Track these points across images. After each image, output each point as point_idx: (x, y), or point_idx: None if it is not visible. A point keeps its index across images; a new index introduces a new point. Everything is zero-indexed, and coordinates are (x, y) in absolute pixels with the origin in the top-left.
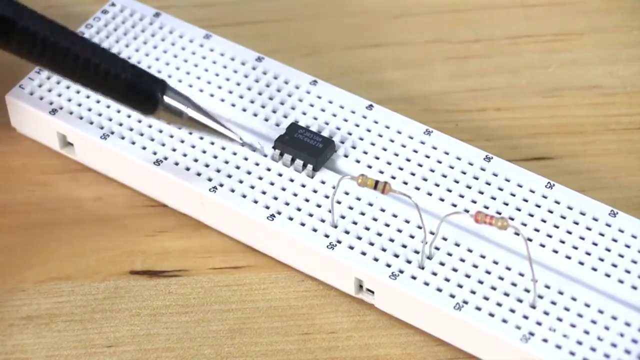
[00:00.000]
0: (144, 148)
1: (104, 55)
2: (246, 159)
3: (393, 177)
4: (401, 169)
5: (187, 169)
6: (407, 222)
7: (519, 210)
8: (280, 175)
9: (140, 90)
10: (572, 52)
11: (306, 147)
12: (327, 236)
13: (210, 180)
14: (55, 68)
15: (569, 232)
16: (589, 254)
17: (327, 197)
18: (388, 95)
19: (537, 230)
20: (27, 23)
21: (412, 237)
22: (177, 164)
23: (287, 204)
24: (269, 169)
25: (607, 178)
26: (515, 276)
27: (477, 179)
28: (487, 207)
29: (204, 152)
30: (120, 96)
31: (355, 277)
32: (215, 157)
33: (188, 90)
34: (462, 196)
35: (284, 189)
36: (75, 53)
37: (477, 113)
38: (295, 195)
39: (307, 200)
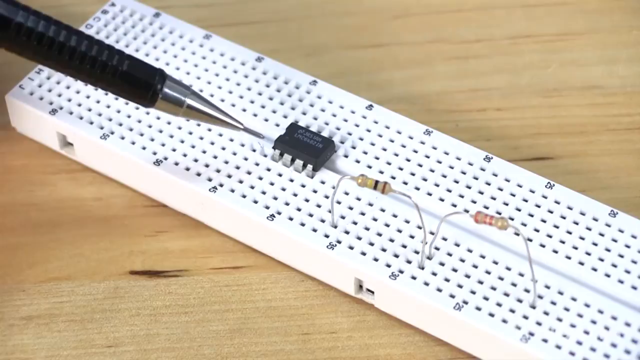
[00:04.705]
0: (144, 148)
1: (101, 48)
2: (246, 159)
3: (393, 177)
4: (401, 169)
5: (187, 169)
6: (407, 222)
7: (519, 210)
8: (280, 175)
9: (139, 83)
10: (572, 52)
11: (306, 147)
12: (327, 236)
13: (210, 180)
14: (52, 64)
15: (569, 232)
16: (589, 254)
17: (327, 197)
18: (388, 95)
19: (537, 231)
20: (23, 20)
21: (412, 237)
22: (177, 164)
23: (287, 204)
24: (269, 169)
25: (607, 178)
26: (515, 276)
27: (477, 179)
28: (487, 207)
29: (204, 152)
30: (119, 90)
31: (355, 277)
32: (215, 157)
33: None
34: (462, 196)
35: (284, 189)
36: (72, 48)
37: (477, 113)
38: (295, 195)
39: (307, 201)
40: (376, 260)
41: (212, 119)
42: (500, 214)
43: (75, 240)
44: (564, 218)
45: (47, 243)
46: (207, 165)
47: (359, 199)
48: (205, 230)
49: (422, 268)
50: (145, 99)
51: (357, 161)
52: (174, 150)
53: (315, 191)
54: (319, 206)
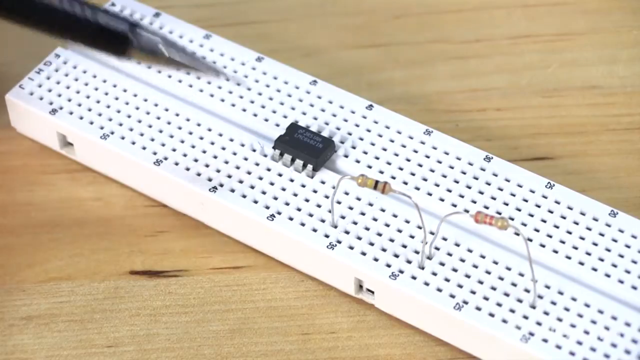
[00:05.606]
0: (144, 148)
1: (72, 1)
2: (246, 159)
3: (393, 177)
4: (401, 169)
5: (187, 169)
6: (407, 222)
7: (519, 210)
8: (280, 175)
9: (111, 31)
10: (572, 52)
11: (306, 147)
12: (327, 236)
13: (210, 180)
14: (22, 19)
15: (569, 232)
16: (589, 254)
17: (327, 197)
18: (388, 95)
19: (537, 231)
20: None
21: (412, 237)
22: (177, 164)
23: (287, 204)
24: (269, 169)
25: (607, 178)
26: (515, 276)
27: (477, 179)
28: (487, 207)
29: (204, 152)
30: (91, 40)
31: (355, 277)
32: (215, 157)
33: (188, 90)
34: (462, 196)
35: (284, 189)
36: (43, 3)
37: (477, 113)
38: (295, 195)
39: (307, 201)
40: (376, 260)
41: (191, 68)
42: (500, 214)
43: (75, 240)
44: (564, 218)
45: (47, 243)
46: (207, 165)
47: (359, 199)
48: (205, 230)
49: (422, 268)
50: (118, 48)
51: (357, 161)
52: (174, 150)
53: (315, 191)
54: (319, 206)
